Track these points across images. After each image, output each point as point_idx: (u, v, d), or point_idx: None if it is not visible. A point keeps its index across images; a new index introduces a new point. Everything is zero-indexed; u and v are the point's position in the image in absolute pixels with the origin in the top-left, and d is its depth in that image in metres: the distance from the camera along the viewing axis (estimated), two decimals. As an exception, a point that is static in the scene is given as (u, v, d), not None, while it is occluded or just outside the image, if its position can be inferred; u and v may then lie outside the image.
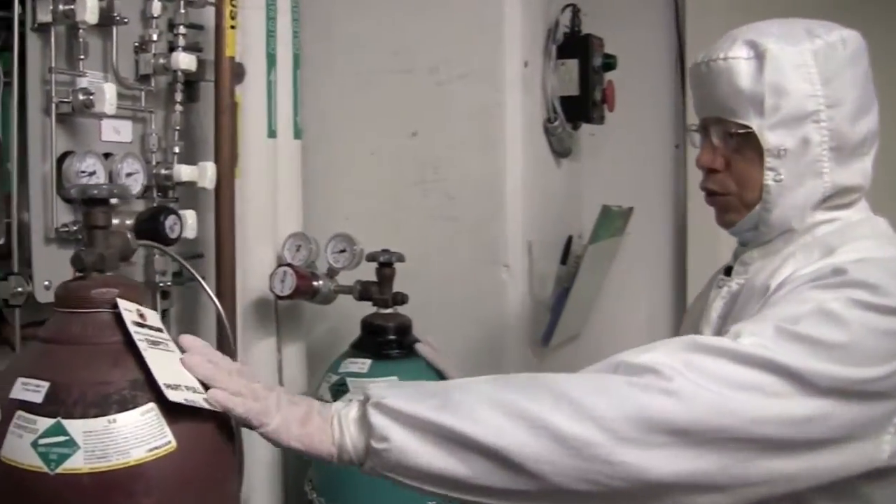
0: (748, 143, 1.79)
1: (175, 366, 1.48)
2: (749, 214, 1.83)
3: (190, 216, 2.19)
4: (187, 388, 1.45)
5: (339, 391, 2.31)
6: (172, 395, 1.40)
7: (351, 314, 2.48)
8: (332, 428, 1.54)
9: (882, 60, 1.89)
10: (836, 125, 1.75)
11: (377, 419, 1.51)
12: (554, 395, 1.50)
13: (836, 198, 1.80)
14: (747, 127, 1.77)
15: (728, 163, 1.84)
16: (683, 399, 1.47)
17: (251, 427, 1.51)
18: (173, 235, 2.07)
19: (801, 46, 1.75)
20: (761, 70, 1.74)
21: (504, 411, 1.49)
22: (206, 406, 1.45)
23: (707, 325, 1.91)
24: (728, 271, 1.95)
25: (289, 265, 2.49)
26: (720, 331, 1.85)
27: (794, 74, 1.74)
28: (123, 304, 1.48)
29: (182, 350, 1.53)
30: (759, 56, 1.75)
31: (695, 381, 1.49)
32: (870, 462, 1.56)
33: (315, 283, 2.51)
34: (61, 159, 1.97)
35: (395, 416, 1.50)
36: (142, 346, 1.44)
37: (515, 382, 1.58)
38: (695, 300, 2.12)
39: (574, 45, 2.92)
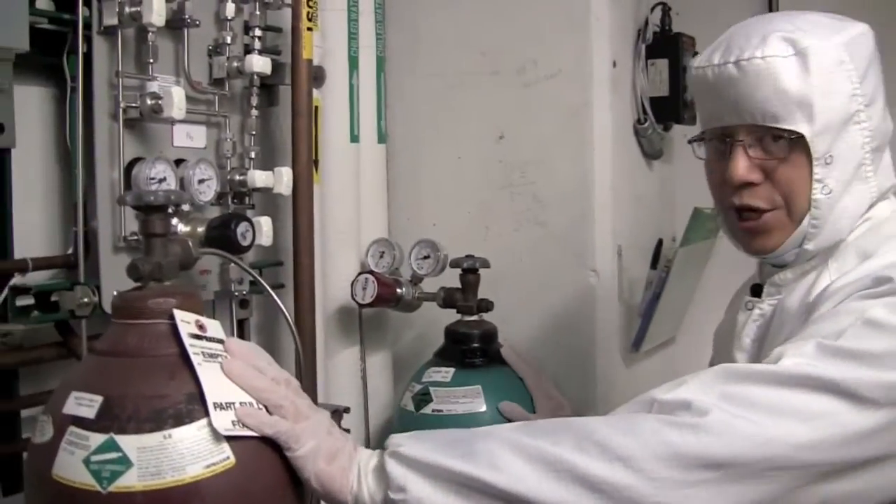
0: (794, 150, 1.64)
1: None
2: (795, 233, 1.68)
3: (265, 223, 2.15)
4: (241, 404, 1.41)
5: (422, 401, 2.27)
6: (219, 421, 1.35)
7: (438, 321, 2.44)
8: (351, 476, 1.49)
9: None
10: (875, 124, 1.64)
11: (394, 469, 1.46)
12: (578, 436, 1.43)
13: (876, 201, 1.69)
14: (795, 133, 1.62)
15: (766, 174, 1.68)
16: (718, 432, 1.39)
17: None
18: (245, 243, 2.00)
19: (835, 40, 1.62)
20: (806, 68, 1.60)
21: (526, 456, 1.43)
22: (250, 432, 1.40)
23: (740, 351, 1.81)
24: (755, 290, 1.83)
25: (371, 272, 2.44)
26: (757, 356, 1.75)
27: (837, 72, 1.61)
28: (181, 315, 1.43)
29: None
30: (801, 53, 1.60)
31: (731, 411, 1.41)
32: None
33: (398, 291, 2.47)
34: (130, 166, 1.94)
35: (412, 465, 1.45)
36: (196, 360, 1.39)
37: (542, 427, 1.52)
38: (721, 323, 2.02)
39: (664, 44, 2.86)
